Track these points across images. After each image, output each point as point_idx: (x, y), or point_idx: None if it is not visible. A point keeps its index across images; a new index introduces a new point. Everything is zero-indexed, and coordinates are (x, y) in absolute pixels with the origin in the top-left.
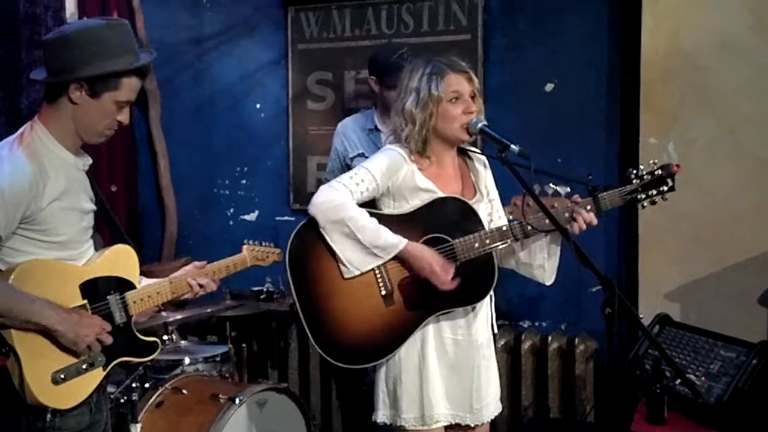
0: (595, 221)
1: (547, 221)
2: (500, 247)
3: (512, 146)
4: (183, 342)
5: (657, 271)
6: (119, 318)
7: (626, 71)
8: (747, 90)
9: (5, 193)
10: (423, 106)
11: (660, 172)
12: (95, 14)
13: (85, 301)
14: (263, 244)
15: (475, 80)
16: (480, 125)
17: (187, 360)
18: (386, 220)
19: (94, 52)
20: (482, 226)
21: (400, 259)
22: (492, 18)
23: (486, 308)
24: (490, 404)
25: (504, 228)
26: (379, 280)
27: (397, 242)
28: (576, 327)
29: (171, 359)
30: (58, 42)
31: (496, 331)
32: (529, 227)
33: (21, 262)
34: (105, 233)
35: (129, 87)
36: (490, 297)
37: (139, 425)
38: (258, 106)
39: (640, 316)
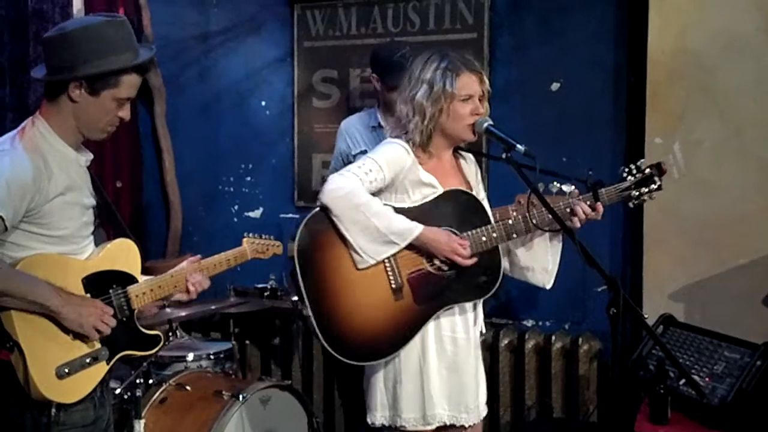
0: (592, 213)
1: (551, 217)
2: (507, 240)
3: (518, 146)
4: (186, 338)
5: (661, 271)
6: (121, 311)
7: (632, 71)
8: (754, 90)
9: (10, 185)
10: (435, 99)
11: (650, 170)
12: (102, 11)
13: (88, 295)
14: (263, 236)
15: (486, 82)
16: (486, 125)
17: (190, 356)
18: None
19: (94, 49)
20: (489, 219)
21: (414, 246)
22: (498, 17)
23: (479, 307)
24: (482, 404)
25: (510, 222)
26: (390, 273)
27: (413, 227)
28: (580, 327)
29: (174, 356)
30: (58, 40)
31: (483, 331)
32: (533, 222)
33: (25, 257)
34: (109, 229)
35: (129, 84)
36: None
37: (142, 421)
38: (263, 103)
39: (645, 316)
